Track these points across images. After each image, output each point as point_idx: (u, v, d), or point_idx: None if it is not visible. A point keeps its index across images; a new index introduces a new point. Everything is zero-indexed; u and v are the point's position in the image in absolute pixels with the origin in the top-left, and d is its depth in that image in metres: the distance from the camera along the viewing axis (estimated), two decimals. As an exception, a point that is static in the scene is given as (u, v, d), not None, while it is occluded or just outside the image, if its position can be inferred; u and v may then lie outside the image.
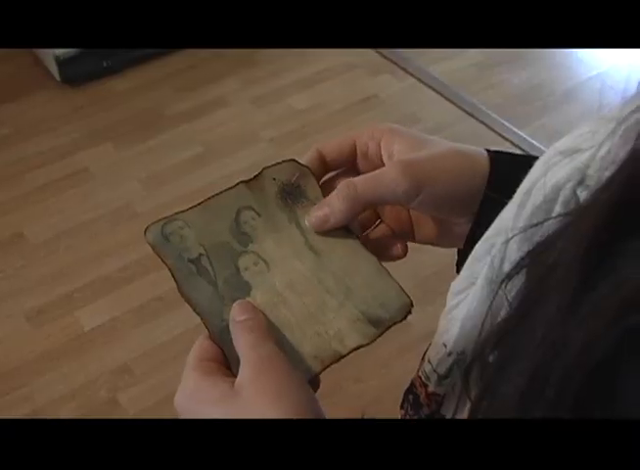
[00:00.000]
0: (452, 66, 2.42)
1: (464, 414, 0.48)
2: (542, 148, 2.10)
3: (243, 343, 0.46)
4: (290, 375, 0.44)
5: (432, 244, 0.57)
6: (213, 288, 0.50)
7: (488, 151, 0.52)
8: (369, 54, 2.45)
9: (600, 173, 0.36)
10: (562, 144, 0.41)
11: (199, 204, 0.52)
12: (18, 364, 1.67)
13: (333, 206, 0.50)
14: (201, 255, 0.51)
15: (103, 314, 1.77)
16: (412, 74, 2.40)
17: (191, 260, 0.51)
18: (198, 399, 0.45)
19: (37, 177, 2.09)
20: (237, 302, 0.49)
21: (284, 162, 0.54)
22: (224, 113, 2.28)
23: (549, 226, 0.36)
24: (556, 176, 0.39)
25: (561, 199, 0.39)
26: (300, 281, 0.51)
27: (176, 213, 0.52)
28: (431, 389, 0.50)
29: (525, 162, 0.54)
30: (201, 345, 0.48)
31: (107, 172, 2.11)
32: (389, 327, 0.50)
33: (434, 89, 2.34)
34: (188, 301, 0.50)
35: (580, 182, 0.38)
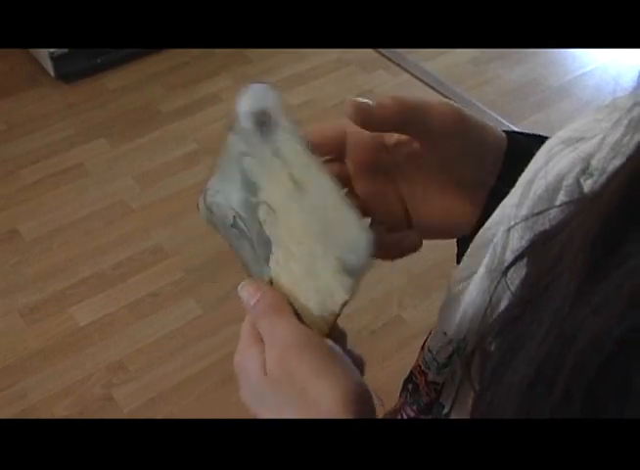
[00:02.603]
0: (447, 61, 2.42)
1: (463, 404, 0.47)
2: (537, 144, 2.10)
3: (262, 328, 0.46)
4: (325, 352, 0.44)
5: (430, 235, 0.54)
6: (251, 248, 0.49)
7: (505, 131, 0.51)
8: (363, 50, 2.45)
9: (606, 162, 0.35)
10: (564, 133, 0.41)
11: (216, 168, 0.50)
12: (12, 361, 1.67)
13: (381, 98, 0.47)
14: (234, 217, 0.49)
15: (97, 311, 1.77)
16: (406, 70, 2.39)
17: (232, 225, 0.49)
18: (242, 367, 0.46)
19: (31, 174, 2.08)
20: (242, 284, 0.48)
21: (249, 89, 0.49)
22: (218, 109, 2.28)
23: (553, 215, 0.36)
24: (558, 165, 0.39)
25: (564, 188, 0.38)
26: (296, 227, 0.47)
27: (207, 183, 0.50)
28: (430, 377, 0.50)
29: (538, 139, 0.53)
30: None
31: (101, 169, 2.10)
32: (362, 276, 0.44)
33: (428, 85, 2.34)
34: (243, 267, 0.49)
35: (584, 171, 0.37)
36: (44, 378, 1.64)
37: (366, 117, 0.46)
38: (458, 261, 0.53)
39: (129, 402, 1.60)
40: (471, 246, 0.45)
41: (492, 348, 0.34)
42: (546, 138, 0.47)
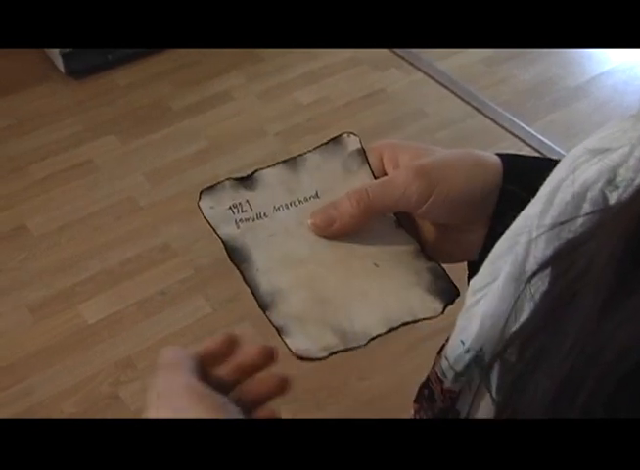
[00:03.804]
0: (460, 61, 2.40)
1: (479, 411, 0.47)
2: (551, 144, 2.08)
3: None
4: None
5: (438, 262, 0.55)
6: None
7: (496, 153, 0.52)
8: (376, 48, 2.43)
9: (633, 174, 0.35)
10: (590, 142, 0.41)
11: None
12: (19, 358, 1.67)
13: (342, 208, 0.48)
14: None
15: (105, 308, 1.76)
16: (419, 69, 2.38)
17: None
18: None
19: (41, 169, 2.08)
20: None
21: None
22: (229, 107, 2.27)
23: (579, 224, 0.36)
24: (584, 175, 0.39)
25: (588, 199, 0.38)
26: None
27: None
28: (447, 385, 0.49)
29: (535, 160, 0.54)
30: None
31: (111, 165, 2.10)
32: None
33: (441, 84, 2.32)
34: None
35: (609, 182, 0.37)
36: (52, 375, 1.64)
37: (327, 234, 0.49)
38: (469, 283, 0.52)
39: (136, 400, 1.59)
40: (490, 255, 0.44)
41: (513, 358, 0.34)
42: (538, 157, 0.50)
